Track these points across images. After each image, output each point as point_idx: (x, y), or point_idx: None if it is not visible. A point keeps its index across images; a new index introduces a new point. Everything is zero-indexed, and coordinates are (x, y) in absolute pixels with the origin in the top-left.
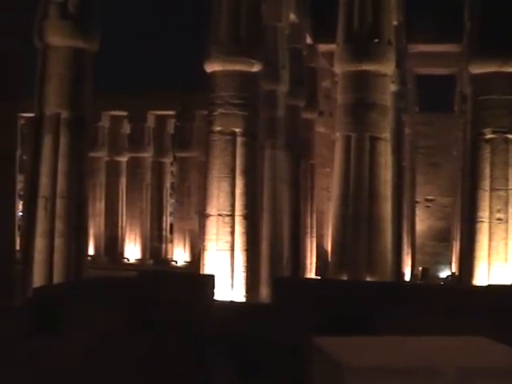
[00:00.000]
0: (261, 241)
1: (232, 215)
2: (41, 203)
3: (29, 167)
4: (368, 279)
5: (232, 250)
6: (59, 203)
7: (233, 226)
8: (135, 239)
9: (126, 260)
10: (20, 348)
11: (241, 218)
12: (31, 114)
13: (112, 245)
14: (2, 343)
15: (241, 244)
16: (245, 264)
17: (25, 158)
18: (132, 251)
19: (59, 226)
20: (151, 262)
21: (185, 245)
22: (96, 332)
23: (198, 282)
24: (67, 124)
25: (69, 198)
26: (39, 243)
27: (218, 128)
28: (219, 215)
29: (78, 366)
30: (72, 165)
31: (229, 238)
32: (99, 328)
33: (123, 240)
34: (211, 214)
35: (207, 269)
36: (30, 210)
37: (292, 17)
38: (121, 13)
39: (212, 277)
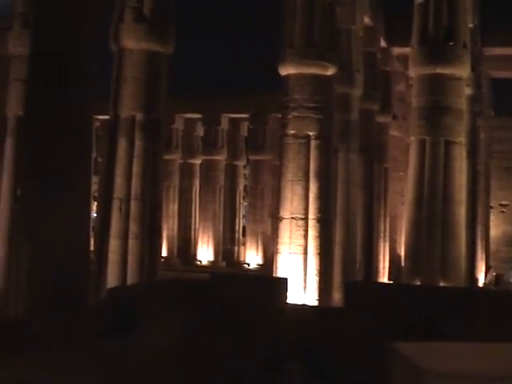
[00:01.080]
0: (334, 244)
1: (305, 218)
2: (115, 205)
3: (104, 169)
4: (441, 284)
5: (305, 253)
6: (133, 205)
7: (306, 230)
8: (208, 241)
9: (198, 262)
10: (95, 349)
11: (314, 221)
12: (106, 117)
13: (185, 247)
14: (78, 344)
15: (314, 247)
16: (317, 268)
17: (100, 159)
18: (205, 253)
19: (133, 227)
20: (224, 264)
21: (257, 247)
22: (170, 333)
23: (270, 284)
24: (142, 126)
25: (143, 199)
26: (113, 244)
27: (292, 131)
28: (292, 218)
29: (152, 367)
30: (147, 167)
31: (302, 242)
32: (173, 329)
33: (196, 242)
34: (284, 217)
35: (280, 272)
36: (105, 211)
37: (366, 20)
38: (196, 14)
39: (285, 280)
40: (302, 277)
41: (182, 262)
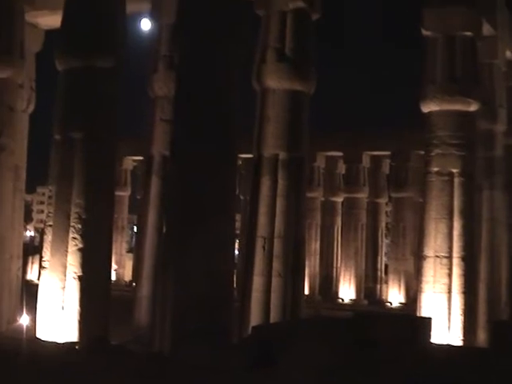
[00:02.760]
0: (478, 283)
1: (449, 257)
2: (259, 243)
3: (247, 207)
4: None
5: (449, 292)
6: (277, 243)
7: (450, 268)
8: (350, 279)
9: (340, 300)
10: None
11: (458, 259)
12: (249, 155)
13: (327, 284)
14: (224, 379)
15: (458, 286)
16: (462, 307)
17: (241, 197)
18: (346, 291)
19: (277, 265)
20: (365, 302)
21: (400, 286)
22: (313, 369)
23: (414, 324)
24: (285, 165)
25: (286, 237)
26: (257, 282)
27: (436, 169)
28: (436, 257)
29: None
30: (290, 205)
31: (446, 280)
32: (316, 365)
33: (338, 280)
34: (428, 255)
35: (424, 311)
36: (248, 249)
37: (508, 54)
38: (333, 54)
39: (429, 319)
40: (447, 316)
41: (323, 300)
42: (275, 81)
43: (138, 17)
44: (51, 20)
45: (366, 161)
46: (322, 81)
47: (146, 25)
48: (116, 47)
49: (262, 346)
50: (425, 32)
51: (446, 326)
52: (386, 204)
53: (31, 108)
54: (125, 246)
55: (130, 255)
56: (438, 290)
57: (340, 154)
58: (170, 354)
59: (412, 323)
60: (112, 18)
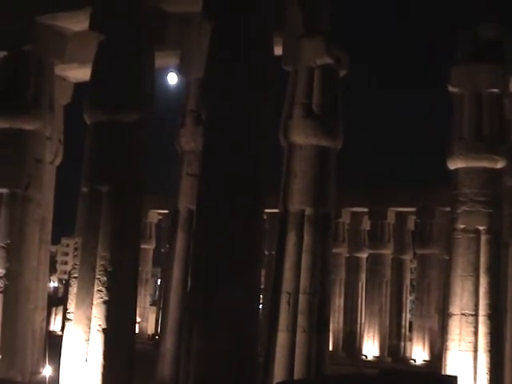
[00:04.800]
0: (504, 341)
1: (475, 315)
2: (284, 298)
3: (272, 262)
4: None
5: (475, 350)
6: (302, 299)
7: (476, 326)
8: (373, 336)
9: (363, 357)
10: None
11: (484, 317)
12: (274, 210)
13: (350, 341)
14: None
15: (484, 345)
16: (488, 365)
17: (266, 252)
18: (370, 348)
19: (301, 321)
20: (389, 359)
21: (424, 343)
22: None
23: (440, 382)
24: (311, 221)
25: (312, 293)
26: (281, 337)
27: (462, 226)
28: (462, 314)
29: None
30: (316, 261)
31: (472, 339)
32: None
33: (361, 336)
34: (454, 313)
35: (449, 369)
36: (273, 304)
37: None
38: (360, 111)
39: (455, 378)
40: (472, 375)
41: (347, 357)
42: (302, 137)
43: (165, 71)
44: (80, 73)
45: (391, 217)
46: (349, 136)
47: (172, 79)
48: (144, 101)
49: None
50: (452, 89)
51: None
52: (411, 261)
53: (58, 160)
54: (148, 298)
55: (154, 308)
56: (463, 348)
57: (365, 209)
58: None
59: (438, 381)
60: (140, 73)
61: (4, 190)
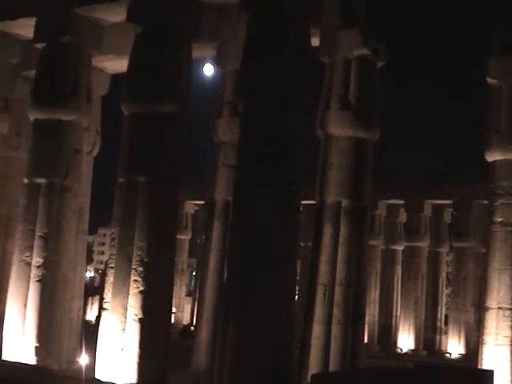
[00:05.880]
0: None
1: None
2: (319, 290)
3: (307, 253)
4: None
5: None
6: (338, 291)
7: None
8: (409, 329)
9: (398, 350)
10: None
11: None
12: (310, 202)
13: (385, 334)
14: None
15: None
16: None
17: (302, 244)
18: (405, 341)
19: (337, 313)
20: (424, 353)
21: (459, 337)
22: None
23: (477, 376)
24: (347, 212)
25: (348, 285)
26: (316, 329)
27: (499, 219)
28: (499, 308)
29: None
30: (352, 253)
31: (508, 333)
32: None
33: (397, 329)
34: (491, 307)
35: (485, 363)
36: (309, 296)
37: None
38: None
39: (491, 372)
40: (509, 369)
41: (381, 349)
42: (339, 128)
43: (201, 62)
44: (117, 64)
45: (427, 209)
46: (385, 128)
47: (208, 70)
48: (181, 93)
49: None
50: (490, 80)
51: (509, 379)
52: (447, 254)
53: (96, 151)
54: (184, 289)
55: (189, 299)
56: (500, 342)
57: (401, 202)
58: None
59: (474, 376)
60: (178, 64)
61: (42, 180)
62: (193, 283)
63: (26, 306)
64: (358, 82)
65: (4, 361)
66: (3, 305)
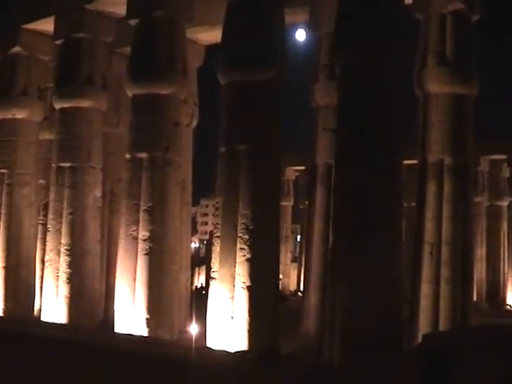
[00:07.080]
0: None
1: None
2: (426, 249)
3: (410, 213)
4: None
5: None
6: (444, 249)
7: None
8: None
9: (508, 307)
10: None
11: None
12: (411, 161)
13: (494, 291)
14: None
15: None
16: None
17: (405, 204)
18: None
19: (445, 272)
20: None
21: None
22: (489, 382)
23: None
24: (450, 170)
25: (454, 244)
26: (425, 289)
27: None
28: None
29: None
30: (457, 211)
31: None
32: (492, 378)
33: (505, 286)
34: None
35: None
36: (416, 256)
37: None
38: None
39: None
40: None
41: (490, 307)
42: (437, 85)
43: (293, 28)
44: (211, 35)
45: None
46: (485, 83)
47: (301, 35)
48: (276, 59)
49: (433, 355)
50: None
51: None
52: None
53: (195, 122)
54: (289, 255)
55: (295, 265)
56: None
57: (504, 157)
58: (339, 364)
59: None
60: (271, 31)
61: (144, 155)
62: (297, 249)
63: (135, 279)
64: (454, 37)
65: (117, 333)
66: (113, 279)
